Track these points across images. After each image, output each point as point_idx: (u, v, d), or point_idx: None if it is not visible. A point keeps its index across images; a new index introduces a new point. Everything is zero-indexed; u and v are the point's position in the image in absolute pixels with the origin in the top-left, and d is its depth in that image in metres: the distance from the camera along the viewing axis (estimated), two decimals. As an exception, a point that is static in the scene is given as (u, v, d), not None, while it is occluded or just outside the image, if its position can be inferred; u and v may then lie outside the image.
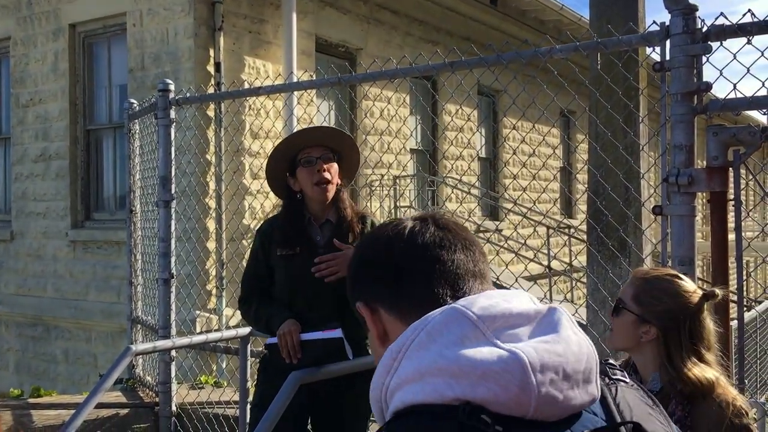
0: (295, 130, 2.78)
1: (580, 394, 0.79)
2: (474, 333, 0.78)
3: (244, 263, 7.59)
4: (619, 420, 0.83)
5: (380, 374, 0.82)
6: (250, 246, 2.84)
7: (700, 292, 1.82)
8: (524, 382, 0.74)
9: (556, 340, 0.79)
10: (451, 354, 0.76)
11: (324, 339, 2.45)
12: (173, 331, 4.38)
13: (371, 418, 2.90)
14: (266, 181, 2.78)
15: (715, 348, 1.82)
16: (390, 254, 0.93)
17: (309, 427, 2.82)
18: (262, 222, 2.86)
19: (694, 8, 2.45)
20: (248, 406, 3.40)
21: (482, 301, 0.82)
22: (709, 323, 1.81)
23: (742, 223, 2.48)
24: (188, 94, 4.38)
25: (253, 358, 3.85)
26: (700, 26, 2.45)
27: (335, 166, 2.67)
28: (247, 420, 3.39)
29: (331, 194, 2.65)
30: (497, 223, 10.52)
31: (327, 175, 2.61)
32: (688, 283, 1.84)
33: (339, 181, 2.69)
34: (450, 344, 0.77)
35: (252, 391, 3.75)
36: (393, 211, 8.69)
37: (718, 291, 1.82)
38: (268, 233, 2.72)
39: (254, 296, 2.74)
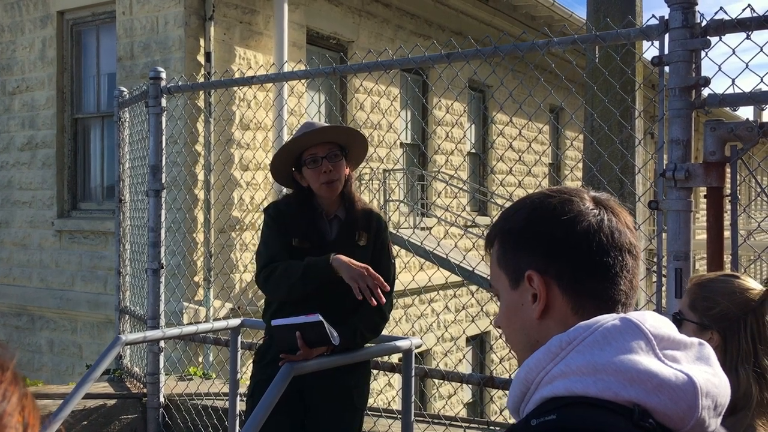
0: (300, 126, 2.68)
1: (715, 423, 0.90)
2: (646, 347, 0.87)
3: (233, 255, 7.51)
4: None
5: (541, 359, 0.89)
6: (261, 227, 2.71)
7: (760, 288, 1.61)
8: (693, 403, 0.84)
9: (714, 373, 0.89)
10: (628, 360, 0.85)
11: (303, 323, 2.32)
12: (162, 321, 4.35)
13: (366, 411, 2.88)
14: (271, 175, 2.71)
15: None
16: (590, 244, 0.96)
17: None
18: (273, 203, 2.75)
19: (694, 2, 2.44)
20: (238, 398, 3.37)
21: (650, 319, 0.90)
22: None
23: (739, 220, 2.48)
24: (180, 83, 4.32)
25: (243, 350, 3.81)
26: (699, 21, 2.44)
27: (342, 162, 2.61)
28: (238, 411, 3.36)
29: (339, 190, 2.61)
30: (489, 217, 10.52)
31: (334, 174, 2.56)
32: (745, 281, 1.64)
33: (347, 172, 2.64)
34: (626, 350, 0.86)
35: (242, 382, 3.73)
36: (384, 205, 8.66)
37: None
38: (282, 216, 2.63)
39: (280, 261, 2.54)
